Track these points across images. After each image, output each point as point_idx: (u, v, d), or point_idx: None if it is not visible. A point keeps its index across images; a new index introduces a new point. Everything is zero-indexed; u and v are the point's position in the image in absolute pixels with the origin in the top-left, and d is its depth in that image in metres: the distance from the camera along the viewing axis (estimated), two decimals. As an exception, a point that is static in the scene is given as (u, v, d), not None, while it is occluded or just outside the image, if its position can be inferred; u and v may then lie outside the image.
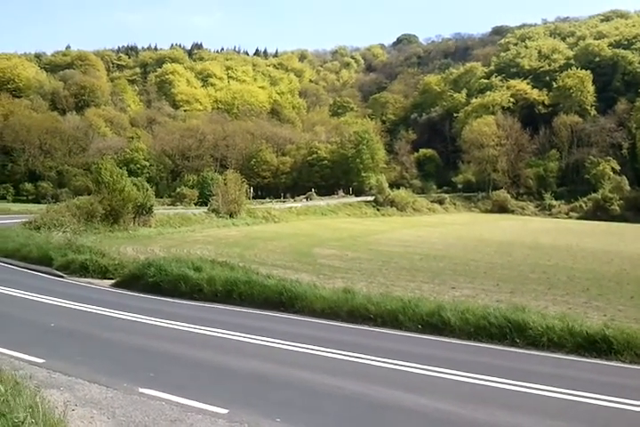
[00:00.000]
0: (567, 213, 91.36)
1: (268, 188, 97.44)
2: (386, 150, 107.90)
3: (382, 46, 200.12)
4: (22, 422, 4.75)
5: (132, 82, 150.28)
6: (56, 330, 12.04)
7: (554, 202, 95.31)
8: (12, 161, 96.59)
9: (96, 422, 6.70)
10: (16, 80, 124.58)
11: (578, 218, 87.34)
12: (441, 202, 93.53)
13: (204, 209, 58.17)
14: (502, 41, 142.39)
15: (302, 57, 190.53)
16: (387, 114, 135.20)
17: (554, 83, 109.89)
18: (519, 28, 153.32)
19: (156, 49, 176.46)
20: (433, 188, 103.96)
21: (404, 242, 41.72)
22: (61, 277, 20.87)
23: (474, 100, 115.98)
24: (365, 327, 13.09)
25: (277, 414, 7.17)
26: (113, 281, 19.60)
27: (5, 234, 31.12)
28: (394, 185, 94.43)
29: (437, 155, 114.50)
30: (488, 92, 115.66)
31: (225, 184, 57.28)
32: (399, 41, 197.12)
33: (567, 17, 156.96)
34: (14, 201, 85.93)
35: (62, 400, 6.57)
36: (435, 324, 12.55)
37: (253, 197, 73.94)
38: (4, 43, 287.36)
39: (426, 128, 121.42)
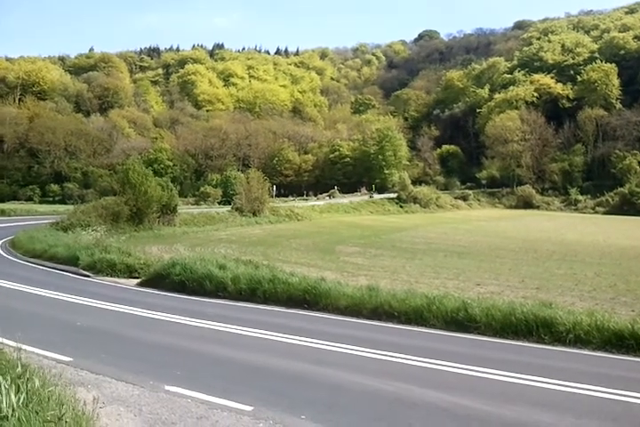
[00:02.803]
0: (593, 208, 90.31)
1: (290, 186, 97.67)
2: (408, 147, 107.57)
3: (403, 43, 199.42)
4: (58, 419, 4.83)
5: (154, 83, 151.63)
6: (82, 329, 12.20)
7: (580, 197, 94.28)
8: (38, 163, 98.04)
9: (123, 419, 6.78)
10: (41, 83, 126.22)
11: (604, 213, 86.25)
12: (465, 198, 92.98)
13: (228, 208, 58.54)
14: (525, 35, 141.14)
15: (323, 55, 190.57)
16: (409, 110, 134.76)
17: (578, 76, 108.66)
18: (542, 21, 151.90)
19: (177, 50, 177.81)
20: (456, 184, 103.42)
21: (427, 239, 41.56)
22: (88, 276, 21.15)
23: (497, 96, 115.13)
24: (390, 325, 13.06)
25: (302, 411, 7.19)
26: (139, 280, 19.81)
27: (33, 235, 31.66)
28: (417, 182, 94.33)
29: (460, 151, 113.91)
30: (511, 87, 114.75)
31: (248, 183, 57.57)
32: (420, 37, 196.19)
33: (591, 10, 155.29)
34: (41, 202, 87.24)
35: (90, 398, 6.66)
36: (460, 321, 12.47)
37: (276, 196, 74.21)
38: (29, 46, 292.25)
39: (448, 124, 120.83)
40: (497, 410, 7.49)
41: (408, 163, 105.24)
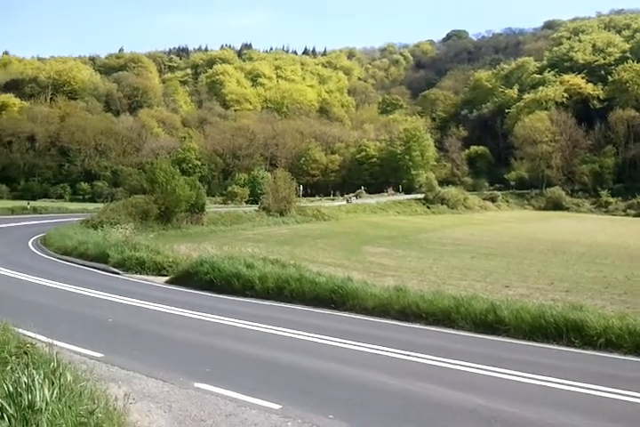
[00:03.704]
0: (624, 211, 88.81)
1: (317, 186, 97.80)
2: (436, 147, 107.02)
3: (431, 42, 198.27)
4: (90, 414, 4.91)
5: (183, 83, 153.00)
6: (113, 325, 12.37)
7: (610, 199, 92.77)
8: (69, 161, 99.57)
9: (153, 415, 6.85)
10: (72, 83, 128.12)
11: (635, 215, 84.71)
12: (493, 199, 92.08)
13: (255, 207, 58.85)
14: (555, 35, 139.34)
15: (351, 55, 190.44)
16: (437, 111, 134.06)
17: (609, 77, 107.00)
18: (572, 21, 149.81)
19: (206, 50, 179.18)
20: (485, 185, 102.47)
21: (455, 240, 41.31)
22: (118, 273, 21.42)
23: (526, 96, 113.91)
24: (417, 326, 12.99)
25: (330, 410, 7.20)
26: (167, 278, 20.00)
27: (64, 232, 32.17)
28: (444, 182, 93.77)
29: (489, 152, 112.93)
30: (541, 88, 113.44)
31: (275, 183, 57.86)
32: (449, 37, 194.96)
33: (622, 9, 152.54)
34: (71, 200, 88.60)
35: (121, 393, 6.75)
36: (489, 323, 12.35)
37: (303, 196, 74.36)
38: (60, 46, 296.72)
39: (477, 125, 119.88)
40: (524, 412, 7.42)
41: (435, 163, 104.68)
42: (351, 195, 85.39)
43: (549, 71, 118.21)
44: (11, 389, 5.49)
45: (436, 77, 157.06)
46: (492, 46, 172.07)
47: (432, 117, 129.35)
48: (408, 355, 10.14)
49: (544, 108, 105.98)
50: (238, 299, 16.26)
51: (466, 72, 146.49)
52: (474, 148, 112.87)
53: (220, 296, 16.65)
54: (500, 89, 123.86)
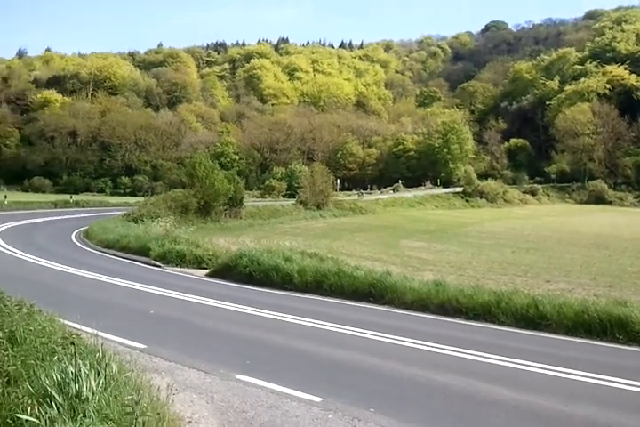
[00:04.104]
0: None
1: (354, 179, 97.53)
2: (475, 140, 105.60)
3: (470, 34, 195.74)
4: (135, 404, 4.99)
5: (221, 78, 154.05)
6: (155, 317, 12.56)
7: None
8: (110, 156, 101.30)
9: (196, 406, 6.95)
10: (112, 78, 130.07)
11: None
12: (533, 193, 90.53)
13: (292, 201, 59.00)
14: (597, 25, 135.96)
15: (388, 48, 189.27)
16: (475, 103, 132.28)
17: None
18: (615, 11, 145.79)
19: (243, 45, 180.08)
20: (525, 178, 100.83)
21: (494, 234, 40.80)
22: (159, 266, 21.72)
23: (567, 88, 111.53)
24: (457, 320, 12.89)
25: (371, 404, 7.20)
26: (207, 271, 20.21)
27: (106, 225, 32.75)
28: (483, 176, 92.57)
29: (529, 144, 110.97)
30: (582, 79, 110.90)
31: (312, 176, 57.94)
32: (487, 28, 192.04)
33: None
34: (112, 194, 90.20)
35: (165, 384, 6.85)
36: (530, 318, 12.18)
37: (340, 189, 74.27)
38: (101, 43, 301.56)
39: (516, 117, 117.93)
40: (567, 409, 7.32)
41: (474, 156, 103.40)
42: (388, 188, 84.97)
43: (591, 62, 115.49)
44: (58, 378, 5.62)
45: (474, 69, 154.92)
46: (532, 37, 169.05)
47: (471, 110, 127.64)
48: (449, 350, 10.08)
49: (586, 99, 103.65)
50: (277, 292, 16.35)
51: (505, 64, 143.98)
52: (513, 140, 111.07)
53: (259, 289, 16.76)
54: (541, 80, 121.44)
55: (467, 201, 79.29)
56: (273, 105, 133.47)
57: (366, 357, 9.60)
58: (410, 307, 14.06)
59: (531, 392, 7.93)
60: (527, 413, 7.20)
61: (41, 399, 5.31)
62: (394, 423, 6.65)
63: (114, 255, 24.92)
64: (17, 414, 4.80)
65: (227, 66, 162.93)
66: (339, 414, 6.79)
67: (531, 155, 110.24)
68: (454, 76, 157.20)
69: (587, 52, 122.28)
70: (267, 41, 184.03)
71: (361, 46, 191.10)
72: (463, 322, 12.76)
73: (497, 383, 8.30)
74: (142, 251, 24.01)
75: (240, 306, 13.74)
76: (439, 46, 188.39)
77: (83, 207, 61.04)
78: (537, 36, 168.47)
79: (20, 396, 5.29)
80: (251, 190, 78.42)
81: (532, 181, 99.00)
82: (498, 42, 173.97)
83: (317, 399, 7.26)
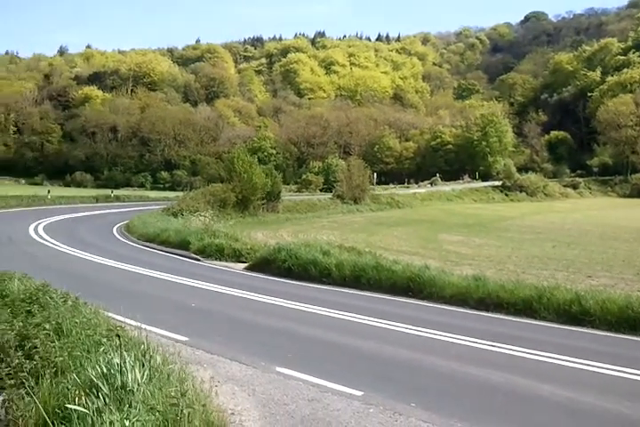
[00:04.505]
0: None
1: (391, 173, 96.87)
2: (514, 133, 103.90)
3: (509, 25, 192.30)
4: (181, 395, 5.08)
5: (258, 72, 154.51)
6: (197, 310, 12.72)
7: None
8: (150, 151, 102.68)
9: (238, 398, 7.03)
10: (151, 74, 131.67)
11: None
12: (575, 186, 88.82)
13: (329, 195, 59.02)
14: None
15: (425, 40, 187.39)
16: (515, 95, 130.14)
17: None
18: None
19: (280, 39, 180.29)
20: (566, 171, 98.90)
21: (534, 228, 40.21)
22: (198, 260, 21.97)
23: (609, 79, 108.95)
24: (498, 315, 12.77)
25: (412, 398, 7.18)
26: (246, 264, 20.36)
27: (146, 220, 33.23)
28: (523, 169, 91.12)
29: (570, 137, 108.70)
30: (625, 70, 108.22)
31: (349, 170, 57.87)
32: (527, 19, 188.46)
33: None
34: (152, 189, 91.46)
35: (207, 376, 6.95)
36: (573, 313, 11.99)
37: (377, 183, 73.94)
38: (140, 39, 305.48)
39: (557, 109, 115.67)
40: (612, 406, 7.20)
41: (514, 150, 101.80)
42: (426, 182, 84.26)
43: (634, 52, 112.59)
44: (104, 370, 5.74)
45: (513, 61, 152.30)
46: (572, 27, 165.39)
47: (510, 102, 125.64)
48: (490, 345, 9.99)
49: (629, 90, 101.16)
50: (315, 286, 16.40)
51: (545, 55, 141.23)
52: (554, 133, 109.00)
53: (298, 283, 16.84)
54: (582, 72, 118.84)
55: (506, 195, 78.27)
56: (310, 99, 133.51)
57: (406, 351, 9.59)
58: (449, 301, 13.98)
59: (574, 389, 7.82)
60: (571, 409, 7.10)
61: (88, 390, 5.43)
62: (435, 418, 6.62)
63: (154, 249, 25.28)
64: (67, 405, 4.91)
65: (264, 60, 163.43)
66: (380, 409, 6.79)
67: (572, 147, 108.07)
68: (493, 68, 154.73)
69: (630, 43, 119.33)
70: (303, 35, 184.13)
71: (398, 39, 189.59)
72: (504, 317, 12.64)
73: (539, 379, 8.20)
74: (182, 245, 24.31)
75: (279, 300, 13.83)
76: (477, 38, 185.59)
77: (123, 202, 62.01)
78: (578, 27, 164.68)
79: (70, 386, 5.42)
80: (288, 185, 78.64)
81: (573, 175, 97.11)
82: (538, 33, 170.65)
83: (358, 393, 7.27)
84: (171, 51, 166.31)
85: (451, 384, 7.94)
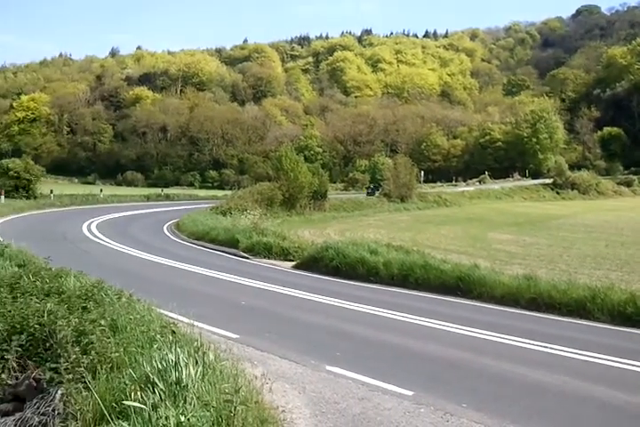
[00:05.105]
0: None
1: (438, 171, 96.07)
2: (566, 130, 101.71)
3: (560, 19, 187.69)
4: (235, 392, 5.14)
5: (304, 71, 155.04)
6: (246, 308, 12.87)
7: None
8: (198, 150, 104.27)
9: (289, 395, 7.08)
10: (200, 74, 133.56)
11: None
12: (629, 184, 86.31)
13: (376, 193, 58.83)
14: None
15: (474, 36, 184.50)
16: (566, 91, 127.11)
17: None
18: None
19: (327, 37, 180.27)
20: (619, 169, 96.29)
21: (587, 227, 39.28)
22: (247, 258, 22.17)
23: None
24: (550, 316, 12.55)
25: (463, 399, 7.12)
26: (294, 263, 20.46)
27: (195, 218, 33.70)
28: (575, 166, 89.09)
29: (624, 133, 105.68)
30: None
31: (395, 169, 57.63)
32: (579, 12, 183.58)
33: None
34: (201, 187, 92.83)
35: (258, 374, 7.02)
36: (628, 314, 11.70)
37: (424, 181, 73.43)
38: (189, 40, 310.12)
39: (610, 105, 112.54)
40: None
41: (565, 146, 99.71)
42: (475, 180, 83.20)
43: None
44: (159, 366, 5.84)
45: (565, 56, 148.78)
46: (626, 21, 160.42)
47: (561, 98, 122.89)
48: (542, 346, 9.82)
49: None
50: (363, 284, 16.38)
51: (598, 49, 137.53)
52: (607, 129, 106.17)
53: (345, 282, 16.85)
54: (636, 66, 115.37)
55: (557, 193, 76.66)
56: (356, 97, 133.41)
57: (456, 351, 9.50)
58: (499, 301, 13.80)
59: (628, 391, 7.63)
60: (625, 412, 6.94)
61: (143, 385, 5.54)
62: (487, 419, 6.55)
63: (204, 247, 25.61)
64: (125, 401, 5.02)
65: (310, 59, 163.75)
66: (431, 409, 6.76)
67: (625, 144, 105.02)
68: (543, 63, 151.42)
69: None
70: (350, 33, 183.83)
71: (446, 35, 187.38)
72: (556, 318, 12.42)
73: (592, 381, 8.04)
74: (231, 243, 24.56)
75: (327, 298, 13.87)
76: (528, 33, 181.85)
77: (173, 200, 63.01)
78: (632, 20, 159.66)
79: (127, 382, 5.54)
80: (334, 183, 78.81)
81: (626, 172, 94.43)
82: (590, 26, 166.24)
83: (408, 393, 7.25)
84: (219, 51, 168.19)
85: (502, 385, 7.84)
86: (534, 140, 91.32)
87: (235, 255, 22.91)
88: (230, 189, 72.99)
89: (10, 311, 7.19)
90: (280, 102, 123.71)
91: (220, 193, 66.04)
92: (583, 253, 25.61)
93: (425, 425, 6.32)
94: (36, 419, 5.63)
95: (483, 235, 33.34)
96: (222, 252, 23.95)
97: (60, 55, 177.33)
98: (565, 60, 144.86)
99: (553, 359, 9.20)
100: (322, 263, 18.58)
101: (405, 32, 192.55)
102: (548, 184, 79.56)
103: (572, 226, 40.16)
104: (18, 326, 6.83)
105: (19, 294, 8.49)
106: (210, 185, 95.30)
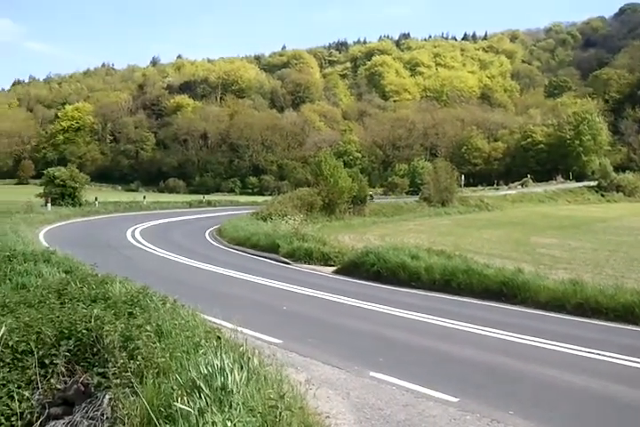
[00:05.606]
0: None
1: (479, 175, 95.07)
2: (610, 131, 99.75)
3: (602, 19, 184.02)
4: (280, 397, 5.16)
5: (343, 76, 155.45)
6: (288, 313, 12.92)
7: None
8: (238, 157, 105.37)
9: (333, 401, 7.07)
10: (239, 82, 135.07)
11: None
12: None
13: (416, 198, 58.52)
14: None
15: (513, 37, 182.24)
16: (609, 92, 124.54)
17: None
18: None
19: (364, 42, 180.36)
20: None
21: (633, 230, 38.36)
22: (288, 263, 22.25)
23: None
24: (596, 321, 12.27)
25: (509, 406, 7.00)
26: (334, 268, 20.45)
27: (236, 224, 33.98)
28: (620, 168, 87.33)
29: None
30: None
31: (435, 172, 57.26)
32: (622, 11, 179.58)
33: None
34: (241, 193, 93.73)
35: (302, 379, 7.02)
36: (679, 320, 11.40)
37: (465, 185, 72.72)
38: (228, 48, 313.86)
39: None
40: None
41: (609, 148, 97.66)
42: (517, 183, 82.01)
43: None
44: (205, 371, 5.90)
45: (608, 56, 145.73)
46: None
47: (605, 99, 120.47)
48: (589, 352, 9.61)
49: None
50: (405, 290, 16.28)
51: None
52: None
53: (387, 287, 16.77)
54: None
55: (602, 195, 75.18)
56: (395, 101, 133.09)
57: (501, 357, 9.37)
58: (544, 307, 13.56)
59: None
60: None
61: (189, 390, 5.60)
62: (534, 427, 6.44)
63: (245, 252, 25.80)
64: (174, 403, 5.08)
65: (348, 64, 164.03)
66: (477, 416, 6.67)
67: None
68: (586, 63, 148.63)
69: None
70: (388, 37, 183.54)
71: (485, 37, 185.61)
72: (603, 323, 12.15)
73: (643, 389, 7.83)
74: (272, 248, 24.69)
75: (369, 303, 13.82)
76: (569, 33, 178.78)
77: (214, 207, 63.70)
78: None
79: (174, 387, 5.61)
80: (373, 188, 78.56)
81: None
82: (634, 25, 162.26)
83: (453, 399, 7.16)
84: (258, 58, 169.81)
85: (550, 392, 7.68)
86: (577, 142, 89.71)
87: (275, 261, 23.02)
88: (270, 194, 73.50)
89: (58, 317, 7.34)
90: (318, 108, 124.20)
91: (259, 199, 66.55)
92: (630, 256, 25.01)
93: (471, 433, 6.24)
94: (85, 423, 5.73)
95: (526, 239, 32.82)
96: (263, 257, 24.09)
97: (103, 65, 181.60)
98: (608, 60, 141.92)
99: (601, 366, 9.00)
100: (362, 268, 18.54)
101: (444, 35, 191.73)
102: (592, 187, 78.11)
103: (618, 229, 39.27)
104: (66, 332, 6.96)
105: (66, 300, 8.68)
106: (250, 191, 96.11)
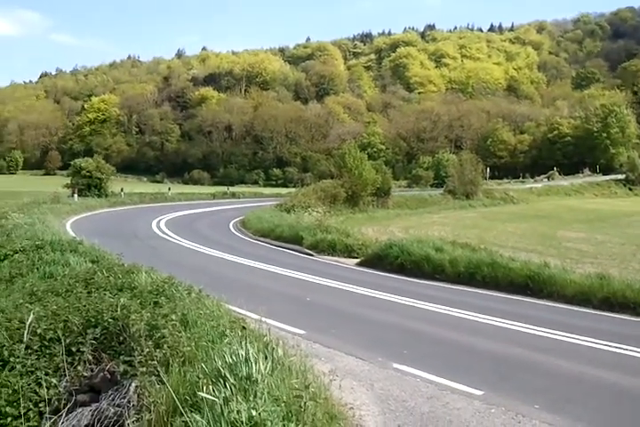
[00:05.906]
0: None
1: (505, 168, 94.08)
2: (638, 124, 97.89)
3: (632, 9, 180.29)
4: (305, 387, 5.18)
5: (367, 68, 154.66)
6: (312, 304, 12.94)
7: None
8: (262, 149, 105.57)
9: (357, 392, 7.07)
10: (263, 74, 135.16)
11: None
12: None
13: (440, 191, 58.18)
14: None
15: (540, 28, 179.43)
16: (639, 83, 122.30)
17: None
18: None
19: (389, 34, 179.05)
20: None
21: (662, 224, 37.76)
22: (311, 255, 22.25)
23: None
24: (623, 316, 12.11)
25: (534, 400, 6.95)
26: (358, 260, 20.41)
27: (260, 215, 34.06)
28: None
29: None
30: None
31: (460, 165, 56.84)
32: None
33: None
34: (265, 185, 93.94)
35: (326, 370, 7.03)
36: None
37: (490, 178, 72.06)
38: (252, 40, 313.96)
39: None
40: None
41: (638, 141, 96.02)
42: (543, 176, 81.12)
43: None
44: (230, 360, 5.92)
45: (637, 47, 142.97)
46: None
47: (633, 91, 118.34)
48: (617, 347, 9.48)
49: None
50: (428, 282, 16.19)
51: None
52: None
53: (410, 279, 16.70)
54: None
55: (630, 189, 74.05)
56: (419, 93, 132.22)
57: (527, 351, 9.28)
58: (570, 301, 13.40)
59: None
60: None
61: (214, 379, 5.63)
62: (560, 421, 6.38)
63: (268, 244, 25.85)
64: (199, 393, 5.12)
65: (373, 56, 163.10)
66: (501, 409, 6.62)
67: None
68: (614, 55, 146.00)
69: None
70: (413, 29, 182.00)
71: (511, 28, 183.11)
72: (630, 318, 12.00)
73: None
74: (295, 240, 24.71)
75: (392, 295, 13.79)
76: (597, 24, 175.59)
77: (238, 198, 63.91)
78: None
79: (201, 376, 5.64)
80: (397, 180, 78.26)
81: None
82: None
83: (478, 393, 7.12)
84: (282, 50, 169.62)
85: (576, 387, 7.61)
86: (605, 134, 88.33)
87: (299, 252, 23.03)
88: (294, 186, 73.61)
89: (85, 306, 7.45)
90: (343, 100, 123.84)
91: (283, 191, 66.62)
92: (659, 251, 24.61)
93: (496, 426, 6.19)
94: (112, 410, 5.80)
95: (552, 232, 32.46)
96: (287, 249, 24.12)
97: (129, 57, 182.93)
98: (638, 51, 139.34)
99: (629, 361, 8.89)
100: (386, 261, 18.48)
101: (470, 26, 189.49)
102: (619, 180, 76.97)
103: (647, 223, 38.68)
104: (93, 320, 7.06)
105: (93, 289, 8.80)
106: (274, 183, 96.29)
